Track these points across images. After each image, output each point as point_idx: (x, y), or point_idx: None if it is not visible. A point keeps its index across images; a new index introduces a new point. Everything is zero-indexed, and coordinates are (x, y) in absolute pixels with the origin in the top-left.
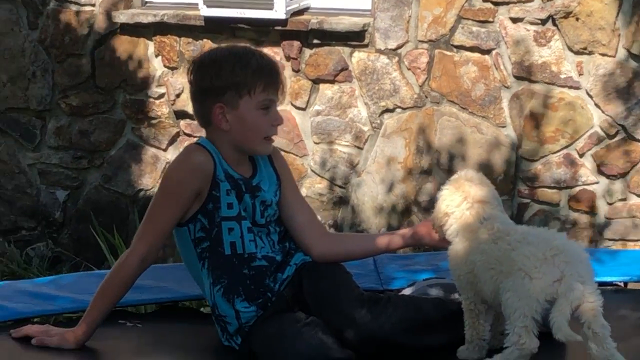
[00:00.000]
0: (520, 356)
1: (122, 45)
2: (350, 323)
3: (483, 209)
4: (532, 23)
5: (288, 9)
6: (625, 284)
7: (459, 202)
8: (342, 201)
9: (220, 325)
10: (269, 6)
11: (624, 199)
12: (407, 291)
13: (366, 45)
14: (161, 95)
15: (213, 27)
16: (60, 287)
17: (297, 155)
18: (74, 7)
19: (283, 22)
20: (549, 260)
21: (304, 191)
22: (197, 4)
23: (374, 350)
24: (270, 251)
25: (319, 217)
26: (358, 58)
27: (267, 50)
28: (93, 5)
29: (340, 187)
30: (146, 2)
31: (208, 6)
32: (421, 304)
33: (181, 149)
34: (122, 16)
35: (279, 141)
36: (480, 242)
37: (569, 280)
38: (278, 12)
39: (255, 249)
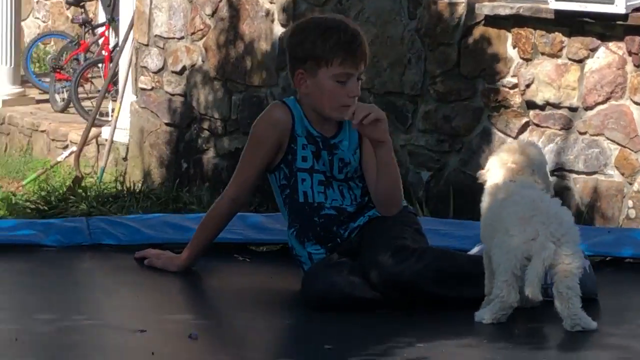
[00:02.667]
0: (501, 309)
1: (485, 36)
2: (374, 266)
3: (512, 173)
4: None
5: (629, 4)
6: None
7: (497, 164)
8: None
9: (298, 264)
10: (610, 0)
11: None
12: (473, 250)
13: None
14: (514, 85)
15: (562, 20)
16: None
17: (632, 150)
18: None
19: (623, 17)
20: (527, 220)
21: (635, 187)
22: None
23: (399, 295)
24: (343, 203)
25: None
26: None
27: (612, 45)
28: None
29: None
30: None
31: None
32: (456, 257)
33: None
34: (484, 8)
35: (615, 135)
36: (495, 201)
37: (542, 239)
38: (618, 6)
39: (325, 200)
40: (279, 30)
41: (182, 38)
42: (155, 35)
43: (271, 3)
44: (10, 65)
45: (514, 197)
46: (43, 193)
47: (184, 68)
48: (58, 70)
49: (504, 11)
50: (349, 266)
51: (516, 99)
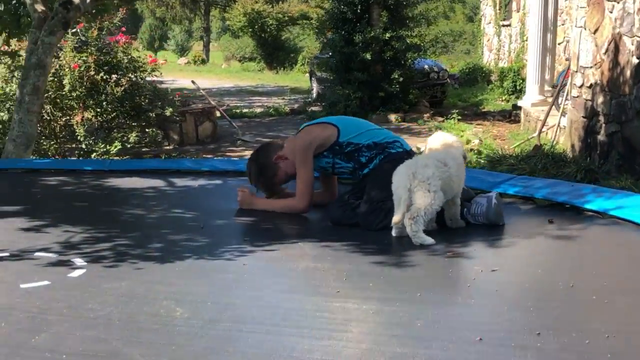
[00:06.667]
0: (394, 224)
1: None
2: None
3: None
4: None
5: None
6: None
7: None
8: None
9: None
10: None
11: None
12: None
13: None
14: None
15: None
16: None
17: None
18: None
19: None
20: (397, 175)
21: None
22: None
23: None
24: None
25: None
26: None
27: None
28: None
29: None
30: None
31: None
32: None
33: None
34: None
35: None
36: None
37: (401, 190)
38: None
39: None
40: None
41: (591, 67)
42: (580, 66)
43: None
44: (537, 84)
45: (405, 162)
46: (516, 154)
47: (590, 85)
48: (555, 85)
49: None
50: (351, 205)
51: None
